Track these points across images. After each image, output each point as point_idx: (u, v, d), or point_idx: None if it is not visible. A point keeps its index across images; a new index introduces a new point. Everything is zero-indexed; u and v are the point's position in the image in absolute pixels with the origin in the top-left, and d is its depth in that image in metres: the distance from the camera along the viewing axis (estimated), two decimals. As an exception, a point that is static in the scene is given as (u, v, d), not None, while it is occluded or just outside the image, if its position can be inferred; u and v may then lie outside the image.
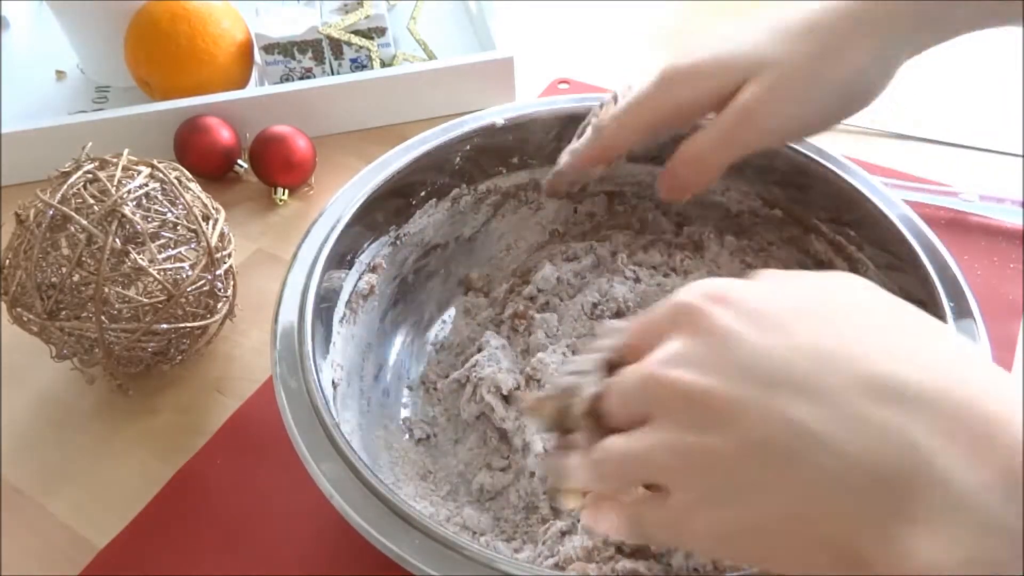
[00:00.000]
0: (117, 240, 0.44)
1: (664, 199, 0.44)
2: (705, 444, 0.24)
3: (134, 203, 0.45)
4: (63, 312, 0.45)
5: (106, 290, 0.44)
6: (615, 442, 0.27)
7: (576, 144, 0.45)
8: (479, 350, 0.48)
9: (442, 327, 0.52)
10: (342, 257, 0.45)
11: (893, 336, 0.24)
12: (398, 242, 0.49)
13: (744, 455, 0.23)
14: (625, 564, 0.36)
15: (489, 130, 0.50)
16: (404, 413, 0.48)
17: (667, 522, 0.26)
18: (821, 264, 0.48)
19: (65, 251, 0.44)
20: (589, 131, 0.45)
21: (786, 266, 0.50)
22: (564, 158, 0.46)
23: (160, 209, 0.46)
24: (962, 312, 0.38)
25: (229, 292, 0.50)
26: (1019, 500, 0.20)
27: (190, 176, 0.49)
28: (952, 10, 0.39)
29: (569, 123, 0.47)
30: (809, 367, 0.23)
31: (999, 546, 0.20)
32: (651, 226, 0.54)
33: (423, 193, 0.50)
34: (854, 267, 0.46)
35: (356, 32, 0.71)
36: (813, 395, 0.23)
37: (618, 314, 0.49)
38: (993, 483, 0.20)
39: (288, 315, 0.40)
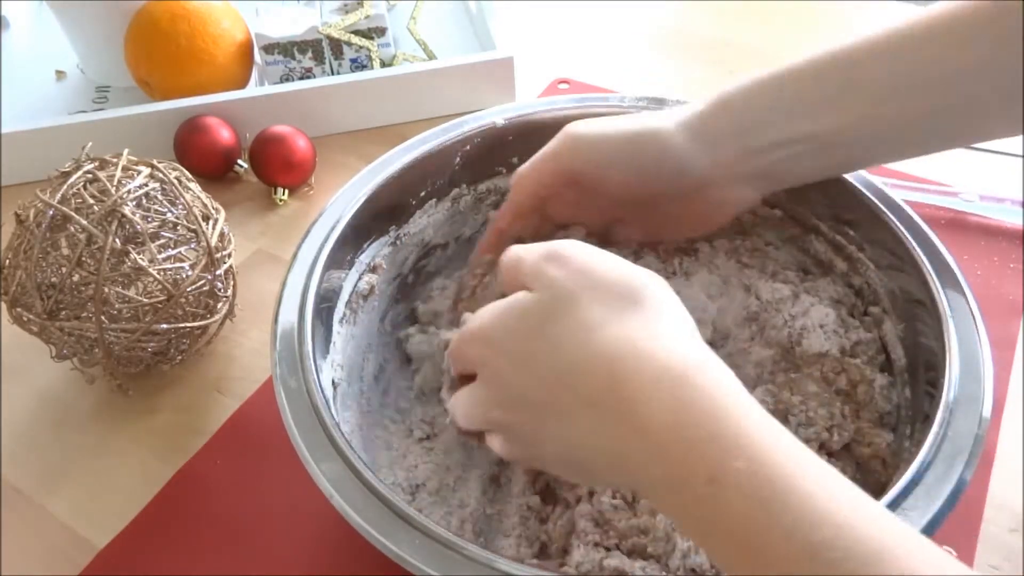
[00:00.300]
0: (117, 240, 0.44)
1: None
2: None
3: (134, 203, 0.45)
4: (63, 312, 0.45)
5: (106, 290, 0.44)
6: (455, 400, 0.35)
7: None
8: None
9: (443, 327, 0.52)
10: (342, 257, 0.45)
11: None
12: (398, 242, 0.49)
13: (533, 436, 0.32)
14: (619, 562, 0.36)
15: (489, 130, 0.50)
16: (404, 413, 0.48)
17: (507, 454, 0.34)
18: (821, 264, 0.48)
19: (65, 251, 0.44)
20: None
21: (786, 266, 0.50)
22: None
23: (160, 209, 0.46)
24: (962, 312, 0.38)
25: (229, 292, 0.50)
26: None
27: (190, 176, 0.49)
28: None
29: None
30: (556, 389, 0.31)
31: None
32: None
33: (423, 193, 0.50)
34: (854, 267, 0.46)
35: (356, 32, 0.71)
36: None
37: None
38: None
39: (288, 315, 0.40)
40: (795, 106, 0.40)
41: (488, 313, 0.33)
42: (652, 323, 0.30)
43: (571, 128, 0.43)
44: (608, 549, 0.37)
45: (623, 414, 0.28)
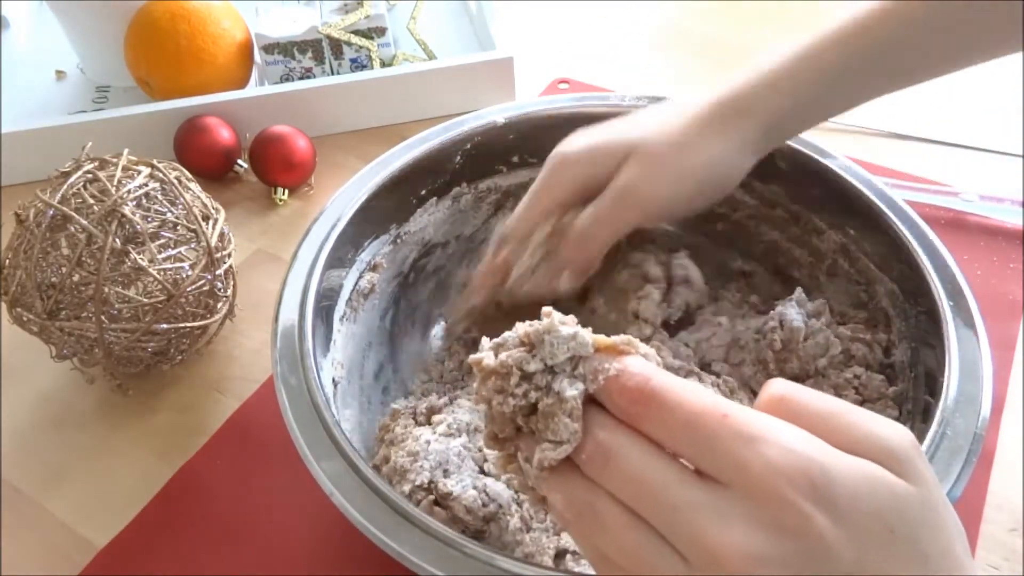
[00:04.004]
0: (117, 240, 0.44)
1: (564, 287, 0.45)
2: None
3: (134, 203, 0.45)
4: (63, 312, 0.45)
5: (106, 290, 0.44)
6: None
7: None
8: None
9: (442, 326, 0.52)
10: (342, 256, 0.45)
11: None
12: (398, 241, 0.49)
13: None
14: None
15: (489, 129, 0.50)
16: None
17: None
18: (821, 263, 0.48)
19: (65, 251, 0.44)
20: (491, 243, 0.47)
21: (784, 266, 0.50)
22: (465, 297, 0.48)
23: (160, 209, 0.46)
24: (962, 312, 0.38)
25: (229, 292, 0.50)
26: None
27: (190, 176, 0.49)
28: (811, 102, 0.43)
29: (569, 123, 0.47)
30: None
31: None
32: (649, 233, 0.54)
33: (423, 192, 0.50)
34: (854, 267, 0.46)
35: (356, 32, 0.71)
36: None
37: None
38: None
39: (288, 314, 0.40)
40: (834, 102, 0.43)
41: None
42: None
43: (632, 185, 0.42)
44: None
45: None
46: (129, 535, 0.44)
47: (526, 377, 0.25)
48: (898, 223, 0.43)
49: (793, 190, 0.49)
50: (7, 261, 0.46)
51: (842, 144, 0.64)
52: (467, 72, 0.68)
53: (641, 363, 0.25)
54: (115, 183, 0.45)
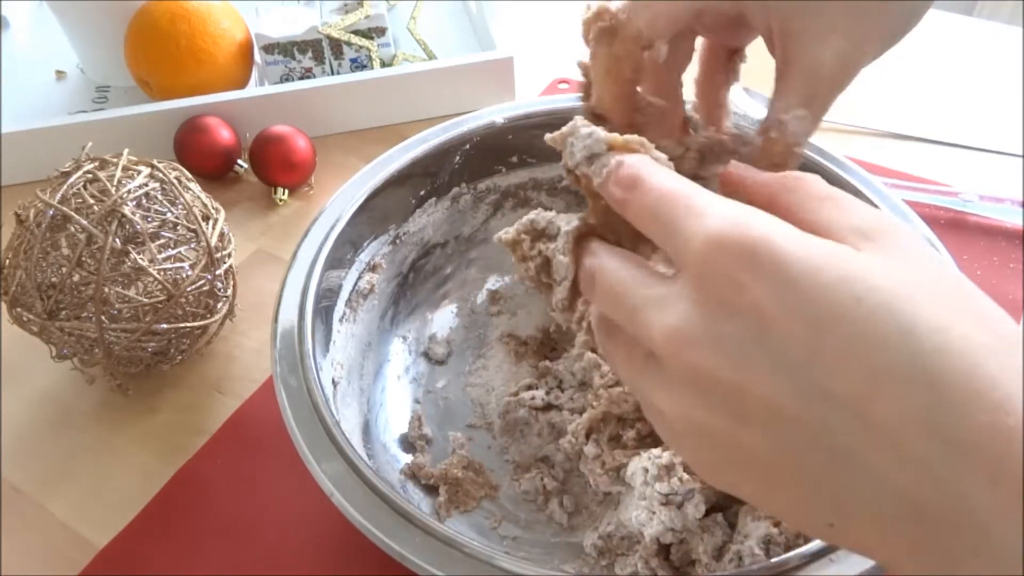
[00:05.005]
0: (117, 240, 0.44)
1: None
2: (733, 436, 0.21)
3: (134, 203, 0.45)
4: (63, 312, 0.45)
5: (106, 290, 0.44)
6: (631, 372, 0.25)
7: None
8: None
9: (442, 326, 0.52)
10: (342, 256, 0.45)
11: (961, 345, 0.19)
12: (398, 241, 0.49)
13: (775, 456, 0.21)
14: (632, 561, 0.36)
15: (489, 129, 0.50)
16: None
17: (667, 438, 0.24)
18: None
19: (65, 251, 0.44)
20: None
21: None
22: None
23: (160, 209, 0.46)
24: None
25: (229, 292, 0.50)
26: None
27: (190, 176, 0.49)
28: None
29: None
30: (860, 384, 0.19)
31: None
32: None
33: (423, 192, 0.50)
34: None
35: (356, 32, 0.71)
36: (860, 417, 0.20)
37: None
38: None
39: (288, 314, 0.40)
40: None
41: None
42: None
43: None
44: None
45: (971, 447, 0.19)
46: (129, 535, 0.44)
47: (536, 237, 0.28)
48: (898, 223, 0.43)
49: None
50: (7, 261, 0.46)
51: (841, 144, 0.64)
52: (467, 72, 0.68)
53: (640, 158, 0.25)
54: (115, 183, 0.45)
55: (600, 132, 0.26)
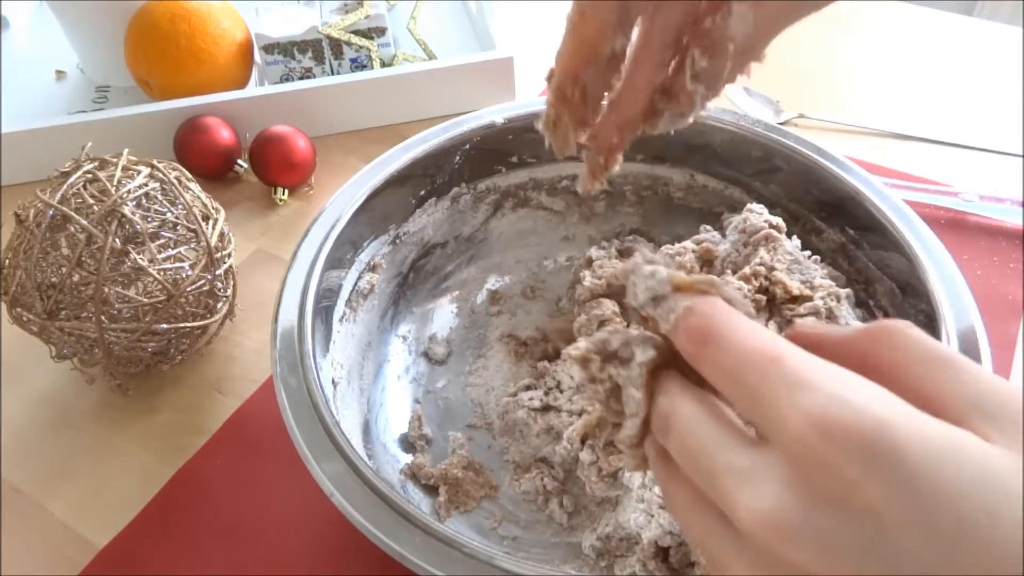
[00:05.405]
0: (117, 240, 0.44)
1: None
2: None
3: (134, 203, 0.45)
4: (63, 312, 0.45)
5: (106, 290, 0.44)
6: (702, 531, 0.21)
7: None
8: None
9: (442, 326, 0.52)
10: (342, 256, 0.45)
11: None
12: (398, 241, 0.49)
13: None
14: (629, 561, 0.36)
15: (489, 129, 0.50)
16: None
17: None
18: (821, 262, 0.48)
19: (65, 251, 0.44)
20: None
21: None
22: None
23: (160, 209, 0.46)
24: (962, 312, 0.38)
25: (229, 292, 0.50)
26: None
27: (190, 176, 0.49)
28: None
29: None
30: None
31: None
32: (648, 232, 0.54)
33: (423, 192, 0.50)
34: (853, 266, 0.46)
35: (356, 32, 0.71)
36: None
37: None
38: None
39: (288, 314, 0.40)
40: None
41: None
42: None
43: None
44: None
45: None
46: (129, 535, 0.44)
47: (608, 358, 0.24)
48: (897, 223, 0.43)
49: (792, 190, 0.49)
50: (7, 261, 0.46)
51: (841, 144, 0.64)
52: (467, 72, 0.68)
53: (710, 302, 0.22)
54: (115, 183, 0.45)
55: (662, 271, 0.23)
